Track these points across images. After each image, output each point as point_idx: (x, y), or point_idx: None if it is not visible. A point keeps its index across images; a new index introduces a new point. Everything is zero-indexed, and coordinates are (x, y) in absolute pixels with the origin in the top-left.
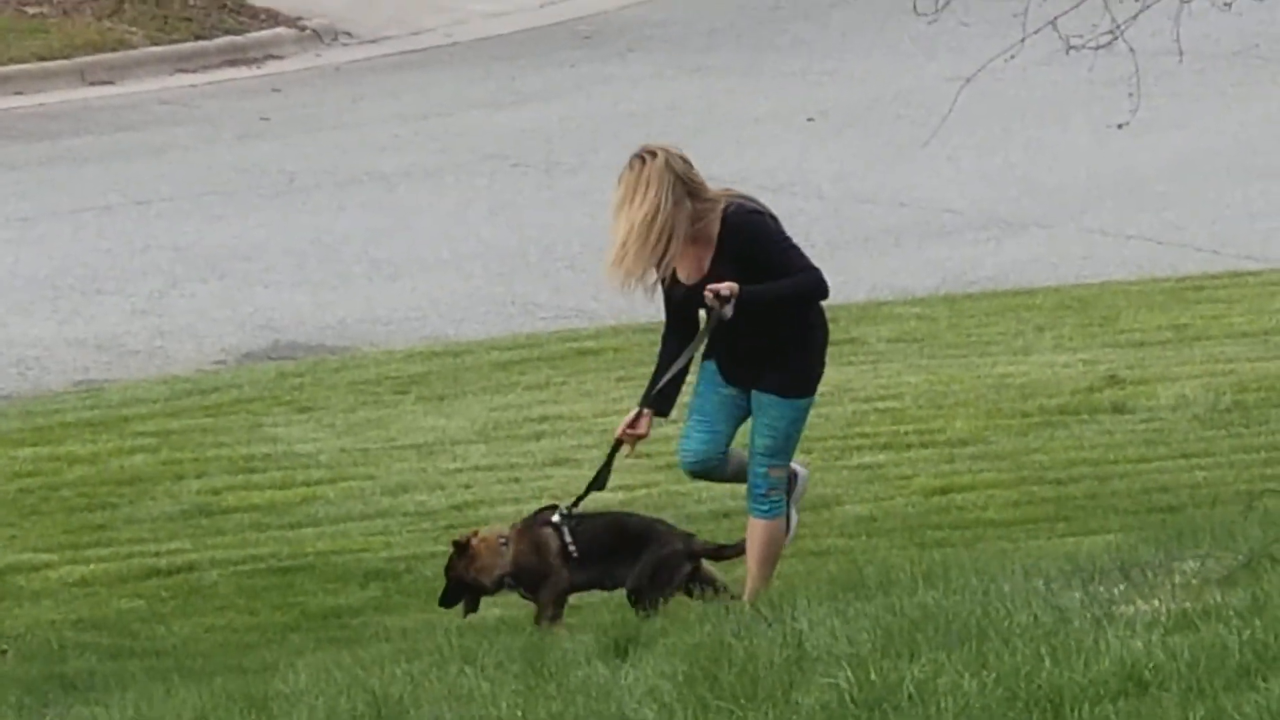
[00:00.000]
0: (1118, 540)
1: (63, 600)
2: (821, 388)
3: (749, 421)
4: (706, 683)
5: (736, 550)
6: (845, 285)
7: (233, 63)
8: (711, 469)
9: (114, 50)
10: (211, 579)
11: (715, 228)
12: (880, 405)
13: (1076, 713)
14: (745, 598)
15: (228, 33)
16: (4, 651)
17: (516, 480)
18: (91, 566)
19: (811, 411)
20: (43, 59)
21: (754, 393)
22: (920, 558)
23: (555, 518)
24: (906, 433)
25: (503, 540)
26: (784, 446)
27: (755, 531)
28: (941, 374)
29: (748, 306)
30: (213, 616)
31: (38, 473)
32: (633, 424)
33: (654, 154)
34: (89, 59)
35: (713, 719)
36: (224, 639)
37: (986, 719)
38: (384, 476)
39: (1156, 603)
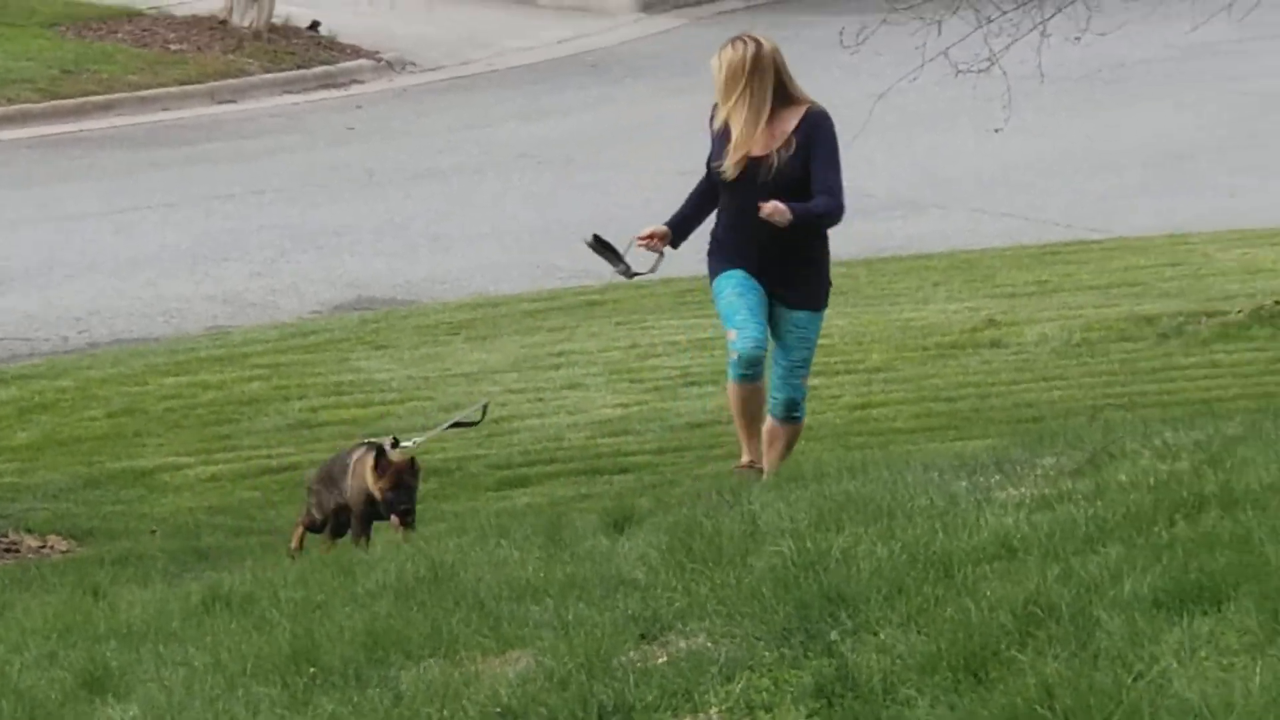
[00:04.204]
0: (994, 443)
1: (197, 492)
2: None
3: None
4: (683, 550)
5: None
6: None
7: (326, 86)
8: (763, 355)
9: (236, 77)
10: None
11: (794, 120)
12: None
13: (961, 572)
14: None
15: (322, 64)
16: (153, 531)
17: (540, 400)
18: (219, 466)
19: None
20: (182, 84)
21: (783, 311)
22: (845, 457)
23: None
24: (835, 362)
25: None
26: (812, 354)
27: (786, 433)
28: (861, 318)
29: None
30: None
31: (179, 396)
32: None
33: (759, 43)
34: (217, 84)
35: (688, 578)
36: None
37: (894, 576)
38: (440, 398)
39: (1023, 489)
